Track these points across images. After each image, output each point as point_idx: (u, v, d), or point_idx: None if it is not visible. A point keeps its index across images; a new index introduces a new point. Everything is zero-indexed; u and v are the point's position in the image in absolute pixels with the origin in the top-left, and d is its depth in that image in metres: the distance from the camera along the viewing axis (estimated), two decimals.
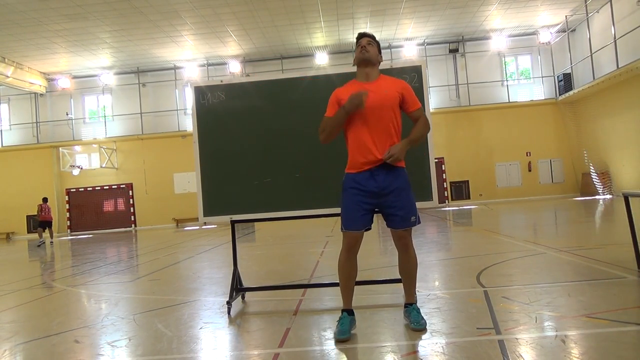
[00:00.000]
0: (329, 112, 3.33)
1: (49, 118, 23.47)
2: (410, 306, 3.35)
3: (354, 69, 3.49)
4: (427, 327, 3.22)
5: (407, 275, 3.41)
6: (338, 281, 3.42)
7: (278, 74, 9.07)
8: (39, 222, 16.67)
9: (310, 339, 3.30)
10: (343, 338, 3.11)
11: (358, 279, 5.06)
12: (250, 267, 6.94)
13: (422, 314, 3.33)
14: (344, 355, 2.94)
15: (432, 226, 11.87)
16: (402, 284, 3.49)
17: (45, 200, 17.11)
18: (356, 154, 3.26)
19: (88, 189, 23.16)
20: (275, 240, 11.31)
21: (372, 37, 3.41)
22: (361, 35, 3.40)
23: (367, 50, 3.30)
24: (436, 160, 7.63)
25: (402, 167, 3.29)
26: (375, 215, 3.34)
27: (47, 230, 16.74)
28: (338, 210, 4.12)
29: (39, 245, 15.48)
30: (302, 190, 4.18)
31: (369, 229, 3.31)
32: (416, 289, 4.09)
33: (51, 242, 16.68)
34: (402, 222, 3.26)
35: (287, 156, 4.21)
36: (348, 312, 3.28)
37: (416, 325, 3.20)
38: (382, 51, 3.53)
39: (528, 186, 21.38)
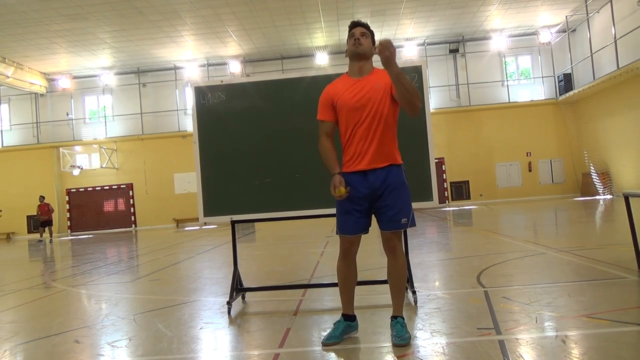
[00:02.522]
0: (321, 114, 3.15)
1: (50, 118, 23.48)
2: (395, 319, 3.07)
3: None
4: (410, 341, 2.98)
5: (393, 282, 3.14)
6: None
7: (278, 74, 9.06)
8: (40, 222, 16.68)
9: (310, 339, 3.31)
10: (328, 342, 3.02)
11: (358, 278, 5.07)
12: (251, 267, 6.94)
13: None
14: (344, 356, 2.93)
15: (432, 226, 11.87)
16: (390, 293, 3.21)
17: (42, 198, 17.06)
18: (349, 152, 3.08)
19: (88, 189, 23.16)
20: (275, 240, 11.31)
21: (367, 26, 3.16)
22: (354, 24, 3.15)
23: (360, 42, 3.07)
24: (436, 160, 7.61)
25: (398, 164, 3.10)
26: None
27: (46, 230, 16.80)
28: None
29: (39, 241, 15.65)
30: (302, 191, 4.18)
31: (366, 232, 3.15)
32: (415, 291, 4.09)
33: (50, 240, 16.68)
34: (390, 223, 3.04)
35: (288, 156, 4.21)
36: (345, 317, 3.18)
37: (398, 340, 2.94)
38: None
39: (528, 186, 21.38)
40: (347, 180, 3.05)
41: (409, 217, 3.07)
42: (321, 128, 3.17)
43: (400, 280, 3.14)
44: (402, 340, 2.94)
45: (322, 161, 3.15)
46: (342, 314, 3.20)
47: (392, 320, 3.09)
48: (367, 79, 3.08)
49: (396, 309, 3.12)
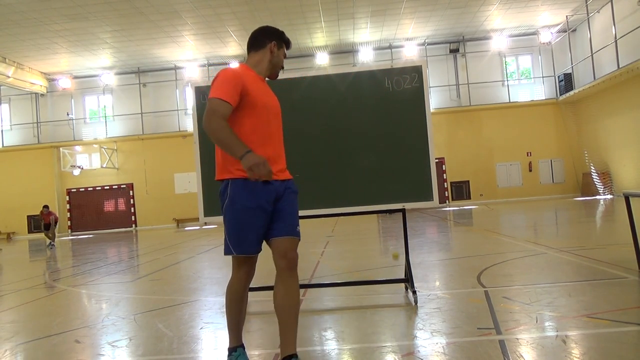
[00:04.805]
0: (232, 97, 2.49)
1: (50, 118, 23.50)
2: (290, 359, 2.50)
3: (354, 68, 3.47)
4: None
5: (291, 310, 2.60)
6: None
7: None
8: (44, 225, 16.02)
9: (310, 339, 3.30)
10: None
11: (358, 278, 5.08)
12: None
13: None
14: (344, 356, 2.93)
15: (432, 226, 11.87)
16: (281, 329, 2.60)
17: (45, 209, 16.12)
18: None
19: (89, 189, 23.18)
20: None
21: None
22: (289, 44, 2.90)
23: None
24: (436, 160, 7.63)
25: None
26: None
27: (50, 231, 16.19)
28: (338, 210, 4.14)
29: (48, 246, 14.93)
30: (301, 190, 4.16)
31: None
32: (415, 291, 4.08)
33: (53, 244, 15.54)
34: (289, 229, 2.63)
35: (287, 156, 4.20)
36: (241, 346, 2.72)
37: None
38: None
39: (529, 186, 21.38)
40: (252, 189, 2.56)
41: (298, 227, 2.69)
42: (223, 110, 2.47)
43: (297, 306, 2.63)
44: None
45: (224, 141, 2.42)
46: (238, 345, 2.71)
47: None
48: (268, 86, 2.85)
49: (291, 346, 2.53)
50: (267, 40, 2.77)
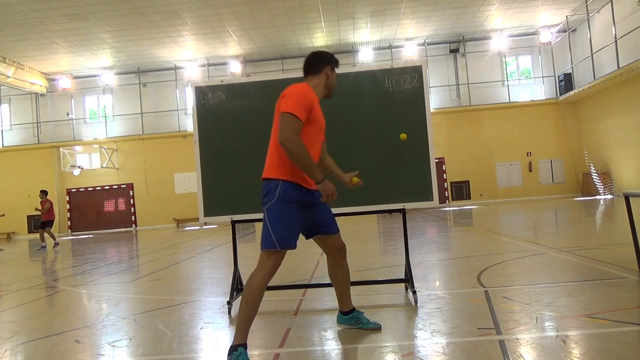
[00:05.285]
0: (303, 115, 2.87)
1: (50, 118, 23.49)
2: (356, 310, 3.39)
3: (354, 68, 3.48)
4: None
5: (347, 278, 3.39)
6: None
7: (279, 74, 9.06)
8: (41, 222, 14.10)
9: (310, 339, 3.31)
10: None
11: (359, 278, 5.08)
12: (251, 267, 6.89)
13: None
14: (345, 356, 2.94)
15: (432, 226, 11.87)
16: (340, 294, 3.40)
17: (43, 194, 14.38)
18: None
19: (89, 189, 23.17)
20: None
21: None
22: (338, 64, 3.27)
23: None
24: (436, 160, 7.63)
25: None
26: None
27: (46, 231, 13.90)
28: (338, 210, 4.14)
29: (39, 250, 13.47)
30: None
31: None
32: (415, 290, 4.09)
33: (55, 244, 14.21)
34: (337, 227, 3.31)
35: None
36: (244, 345, 2.75)
37: (374, 324, 3.33)
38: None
39: (529, 186, 21.38)
40: (301, 193, 2.98)
41: None
42: (297, 128, 2.83)
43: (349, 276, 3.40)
44: (377, 325, 3.32)
45: (308, 165, 2.83)
46: (242, 344, 2.74)
47: (351, 313, 3.37)
48: None
49: (350, 302, 3.41)
50: (322, 65, 3.14)
